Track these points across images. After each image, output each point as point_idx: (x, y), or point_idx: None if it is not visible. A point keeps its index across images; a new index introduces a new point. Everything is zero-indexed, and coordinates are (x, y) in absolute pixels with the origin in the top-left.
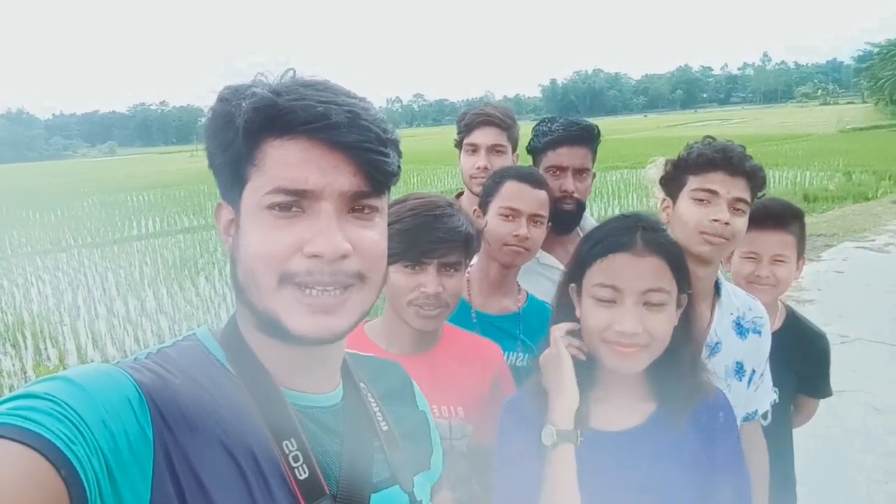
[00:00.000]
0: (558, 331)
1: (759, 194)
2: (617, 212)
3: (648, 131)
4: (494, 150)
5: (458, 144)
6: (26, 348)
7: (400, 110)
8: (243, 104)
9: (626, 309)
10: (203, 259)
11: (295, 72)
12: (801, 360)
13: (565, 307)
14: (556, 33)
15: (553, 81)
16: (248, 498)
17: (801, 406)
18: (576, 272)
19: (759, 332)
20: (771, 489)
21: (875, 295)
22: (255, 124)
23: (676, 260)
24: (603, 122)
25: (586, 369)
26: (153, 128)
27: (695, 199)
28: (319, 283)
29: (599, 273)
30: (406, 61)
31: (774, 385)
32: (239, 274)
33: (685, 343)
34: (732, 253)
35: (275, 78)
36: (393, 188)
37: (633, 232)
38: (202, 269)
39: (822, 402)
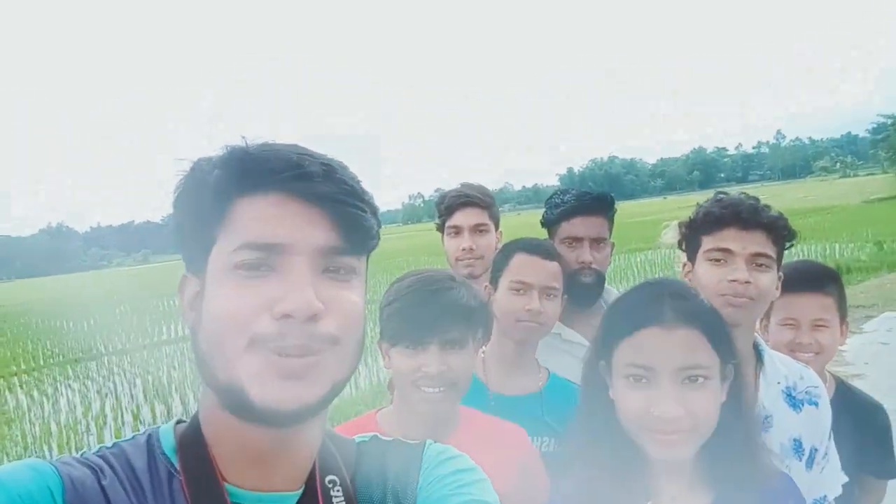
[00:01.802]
0: None
1: (788, 245)
2: None
3: (669, 212)
4: (477, 229)
5: (441, 228)
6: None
7: (422, 205)
8: (214, 160)
9: (663, 390)
10: None
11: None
12: (859, 435)
13: (596, 386)
14: (570, 124)
15: (570, 170)
16: None
17: (867, 488)
18: (603, 349)
19: (816, 404)
20: None
21: None
22: (226, 178)
23: (714, 328)
24: (622, 206)
25: (630, 457)
26: None
27: (710, 261)
28: (290, 347)
29: (629, 352)
30: (427, 158)
31: None
32: (201, 343)
33: (737, 419)
34: (769, 321)
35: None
36: None
37: (660, 302)
38: None
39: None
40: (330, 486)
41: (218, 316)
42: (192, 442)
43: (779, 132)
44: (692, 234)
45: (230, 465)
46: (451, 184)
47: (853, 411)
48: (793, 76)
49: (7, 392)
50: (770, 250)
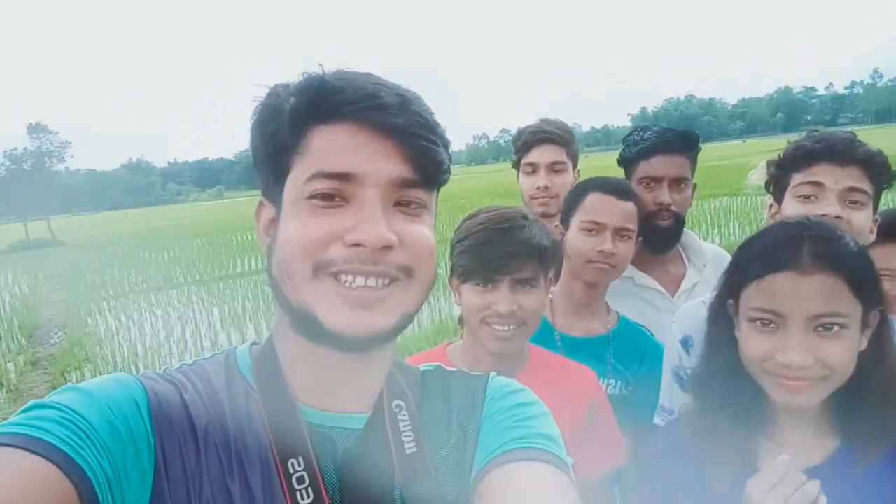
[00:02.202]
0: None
1: (885, 186)
2: (717, 242)
3: (748, 157)
4: (554, 168)
5: (516, 165)
6: None
7: (486, 146)
8: (290, 87)
9: (792, 338)
10: None
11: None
12: None
13: (723, 324)
14: (646, 62)
15: (643, 110)
16: None
17: None
18: (732, 289)
19: None
20: None
21: None
22: (302, 107)
23: (860, 274)
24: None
25: (750, 399)
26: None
27: (800, 197)
28: (360, 273)
29: (757, 295)
30: (492, 97)
31: None
32: (273, 267)
33: (876, 368)
34: None
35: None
36: None
37: (797, 245)
38: None
39: None
40: (397, 410)
41: (290, 242)
42: (267, 363)
43: (876, 71)
44: (781, 172)
45: (302, 385)
46: (516, 124)
47: None
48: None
49: (98, 315)
50: (866, 186)
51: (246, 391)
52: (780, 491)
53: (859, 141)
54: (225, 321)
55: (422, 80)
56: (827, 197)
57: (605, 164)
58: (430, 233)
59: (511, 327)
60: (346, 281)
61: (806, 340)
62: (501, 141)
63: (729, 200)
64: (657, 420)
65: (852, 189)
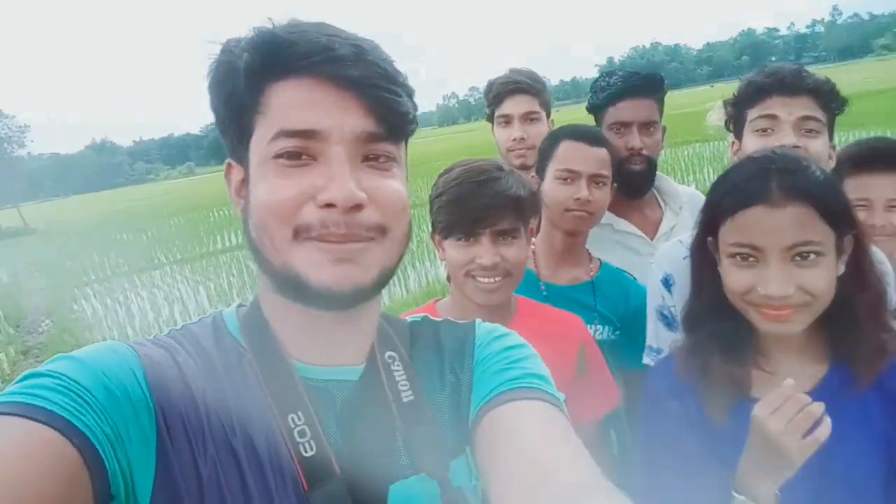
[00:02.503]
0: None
1: (836, 111)
2: (692, 188)
3: (716, 101)
4: (528, 118)
5: (490, 118)
6: None
7: (457, 106)
8: (243, 43)
9: (771, 269)
10: None
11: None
12: None
13: (705, 263)
14: (610, 9)
15: (610, 59)
16: (242, 474)
17: None
18: (709, 226)
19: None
20: None
21: None
22: (255, 64)
23: (829, 202)
24: (666, 97)
25: (738, 331)
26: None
27: (758, 131)
28: (335, 238)
29: (733, 231)
30: (459, 55)
31: None
32: (251, 231)
33: (860, 292)
34: None
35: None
36: None
37: (765, 178)
38: None
39: None
40: (390, 360)
41: (263, 206)
42: (256, 323)
43: (835, 8)
44: (738, 110)
45: (293, 343)
46: (484, 83)
47: None
48: None
49: (83, 301)
50: (818, 114)
51: (238, 352)
52: (784, 412)
53: (807, 71)
54: (212, 298)
55: (385, 39)
56: (783, 128)
57: (576, 116)
58: (400, 186)
59: (496, 279)
60: (324, 241)
61: (784, 271)
62: (471, 100)
63: (701, 146)
64: (646, 360)
65: (806, 118)
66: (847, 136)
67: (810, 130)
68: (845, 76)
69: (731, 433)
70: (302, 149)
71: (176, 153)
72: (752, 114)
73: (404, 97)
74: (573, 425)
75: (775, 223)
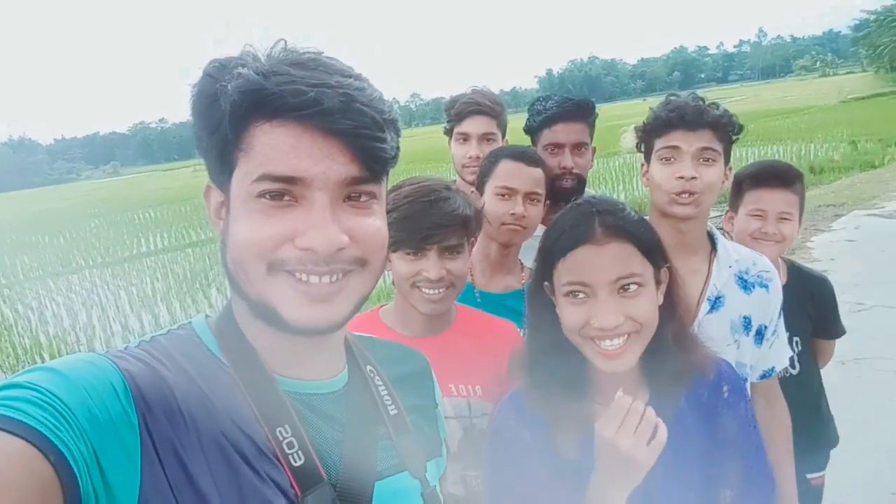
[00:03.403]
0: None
1: (734, 138)
2: (623, 197)
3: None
4: (485, 138)
5: (448, 133)
6: None
7: (398, 112)
8: (229, 86)
9: (601, 303)
10: (213, 271)
11: (286, 43)
12: (811, 305)
13: (543, 305)
14: (549, 23)
15: (549, 72)
16: (237, 486)
17: (819, 349)
18: (545, 270)
19: (767, 287)
20: (810, 428)
21: (889, 261)
22: (241, 108)
23: (644, 238)
24: (602, 109)
25: (576, 369)
26: (154, 145)
27: (662, 160)
28: (313, 272)
29: (565, 271)
30: (401, 62)
31: (794, 333)
32: (228, 262)
33: (668, 320)
34: (737, 212)
35: (264, 51)
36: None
37: (590, 220)
38: (213, 281)
39: (846, 370)
40: (371, 375)
41: (242, 241)
42: (235, 340)
43: (760, 30)
44: (646, 136)
45: (272, 358)
46: (425, 89)
47: (806, 285)
48: None
49: None
50: (715, 145)
51: (217, 366)
52: (627, 426)
53: (706, 106)
54: (134, 304)
55: (330, 46)
56: (683, 158)
57: (513, 125)
58: (380, 223)
59: (440, 290)
60: (300, 277)
61: (612, 303)
62: (413, 106)
63: (632, 157)
64: None
65: (703, 149)
66: (765, 150)
67: (707, 160)
68: (767, 94)
69: (578, 464)
70: (285, 190)
71: (101, 152)
72: (658, 143)
73: (389, 140)
74: None
75: (601, 260)
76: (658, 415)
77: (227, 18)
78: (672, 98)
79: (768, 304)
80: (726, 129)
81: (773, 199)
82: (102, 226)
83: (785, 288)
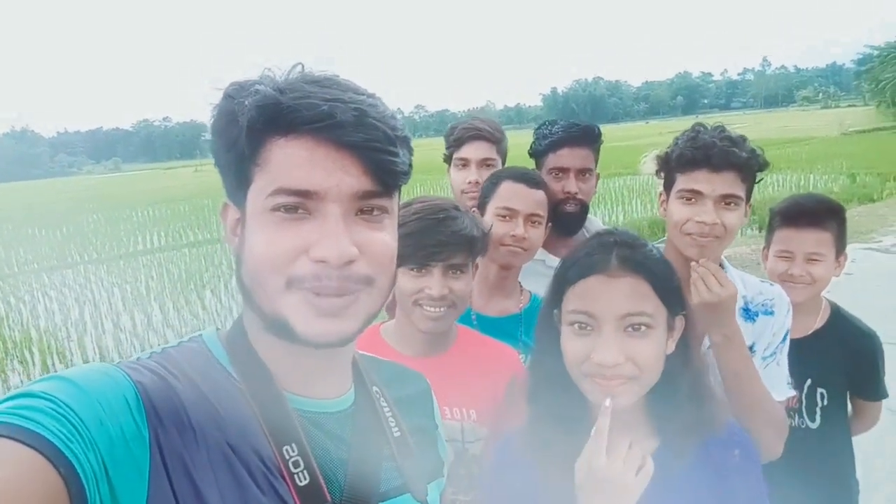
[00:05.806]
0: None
1: (759, 178)
2: (621, 218)
3: (650, 137)
4: (485, 164)
5: (448, 159)
6: (34, 364)
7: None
8: (246, 102)
9: (604, 337)
10: (208, 273)
11: (303, 67)
12: (849, 360)
13: (550, 334)
14: (557, 42)
15: (554, 90)
16: (244, 502)
17: (859, 410)
18: (555, 297)
19: (771, 313)
20: (830, 493)
21: (885, 296)
22: (258, 123)
23: (662, 278)
24: (605, 130)
25: (576, 403)
26: (157, 143)
27: (682, 199)
28: (326, 291)
29: (574, 299)
30: (407, 73)
31: (820, 385)
32: (244, 277)
33: (683, 370)
34: (769, 250)
35: (281, 73)
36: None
37: (607, 250)
38: (207, 283)
39: None
40: (377, 396)
41: (258, 255)
42: (246, 355)
43: (765, 59)
44: (668, 169)
45: (283, 375)
46: (430, 101)
47: (845, 336)
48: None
49: None
50: (739, 190)
51: (228, 381)
52: (617, 453)
53: (737, 142)
54: (127, 301)
55: (340, 52)
56: (705, 203)
57: (516, 141)
58: (390, 238)
59: (442, 309)
60: (315, 292)
61: (616, 340)
62: (416, 117)
63: (632, 179)
64: None
65: (727, 195)
66: (764, 178)
67: (729, 204)
68: (769, 122)
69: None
70: (299, 203)
71: (103, 147)
72: (680, 182)
73: (401, 155)
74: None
75: (611, 292)
76: (667, 466)
77: (232, 19)
78: (699, 130)
79: (770, 328)
80: (752, 171)
81: (802, 240)
82: (100, 222)
83: (819, 333)
